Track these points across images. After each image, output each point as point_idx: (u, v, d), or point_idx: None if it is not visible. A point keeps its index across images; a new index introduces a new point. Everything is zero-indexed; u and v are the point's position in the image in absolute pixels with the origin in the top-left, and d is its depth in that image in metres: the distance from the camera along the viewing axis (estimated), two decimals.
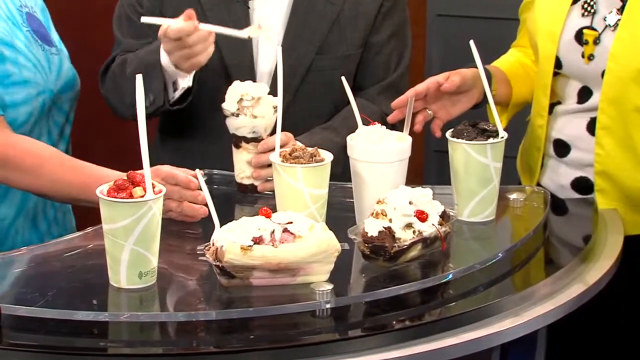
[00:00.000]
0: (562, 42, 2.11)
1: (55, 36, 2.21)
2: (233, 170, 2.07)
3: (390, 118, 2.06)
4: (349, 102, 1.94)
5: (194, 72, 2.09)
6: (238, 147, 2.02)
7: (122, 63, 2.17)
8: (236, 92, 1.99)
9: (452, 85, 2.07)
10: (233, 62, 2.18)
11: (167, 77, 2.09)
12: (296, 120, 2.17)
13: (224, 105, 2.00)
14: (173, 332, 1.55)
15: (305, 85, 2.20)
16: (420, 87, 2.08)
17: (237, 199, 2.05)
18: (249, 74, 2.17)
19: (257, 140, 2.01)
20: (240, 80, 2.02)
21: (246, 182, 2.04)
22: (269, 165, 1.91)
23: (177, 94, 2.11)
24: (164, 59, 2.06)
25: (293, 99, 2.20)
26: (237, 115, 1.99)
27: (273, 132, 2.00)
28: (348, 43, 2.22)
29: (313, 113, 2.22)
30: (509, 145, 1.93)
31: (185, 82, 2.09)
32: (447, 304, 1.65)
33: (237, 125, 2.00)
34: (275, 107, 1.97)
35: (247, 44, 2.18)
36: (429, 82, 2.08)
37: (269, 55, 2.19)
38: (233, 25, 2.13)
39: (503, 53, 2.36)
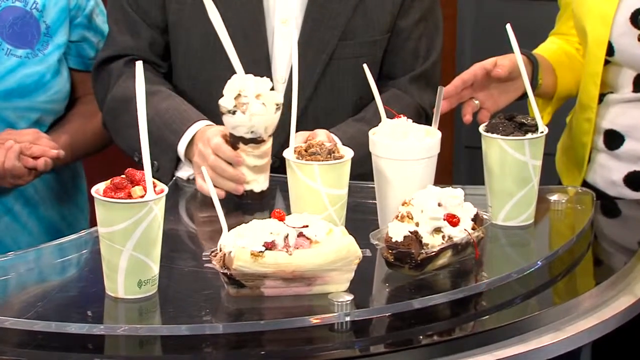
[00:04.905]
0: (615, 24, 2.11)
1: None
2: None
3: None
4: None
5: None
6: (235, 148, 2.00)
7: (125, 100, 2.16)
8: (234, 88, 1.97)
9: (504, 70, 2.08)
10: (248, 54, 2.19)
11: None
12: (317, 114, 2.17)
13: (220, 101, 1.98)
14: (176, 347, 1.56)
15: (328, 76, 2.21)
16: (467, 75, 2.09)
17: (246, 200, 2.06)
18: (266, 67, 2.18)
19: (256, 141, 1.98)
20: (255, 74, 2.01)
21: (245, 187, 2.01)
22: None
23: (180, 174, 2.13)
24: (182, 148, 2.08)
25: (314, 91, 2.20)
26: (234, 112, 1.96)
27: (281, 132, 2.00)
28: (374, 28, 2.22)
29: (336, 106, 2.22)
30: (549, 141, 1.93)
31: (187, 174, 2.11)
32: (480, 317, 1.66)
33: (233, 123, 1.97)
34: (278, 105, 1.96)
35: (262, 34, 2.18)
36: (476, 69, 2.09)
37: (286, 45, 2.20)
38: (245, 9, 2.14)
39: (542, 37, 2.37)
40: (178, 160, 2.12)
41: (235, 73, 2.02)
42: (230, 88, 1.98)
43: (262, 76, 2.01)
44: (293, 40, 1.89)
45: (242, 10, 2.18)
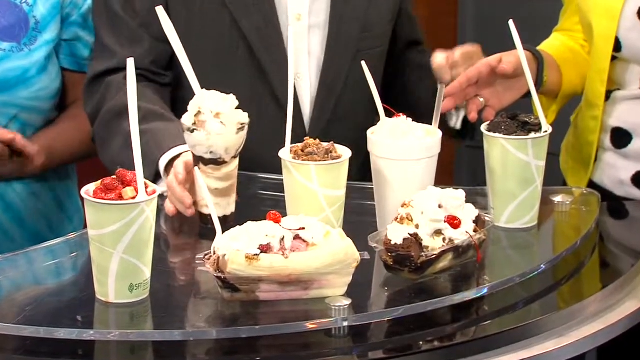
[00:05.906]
0: (622, 19, 2.11)
1: None
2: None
3: (443, 108, 2.06)
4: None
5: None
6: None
7: (121, 112, 2.08)
8: (195, 104, 1.90)
9: (510, 67, 2.08)
10: (265, 55, 2.18)
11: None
12: (345, 111, 2.21)
13: (182, 118, 1.92)
14: (168, 353, 1.55)
15: (354, 70, 2.20)
16: (472, 72, 2.09)
17: (241, 201, 2.05)
18: (285, 67, 2.16)
19: (216, 162, 1.91)
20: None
21: (206, 211, 1.93)
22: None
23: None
24: (163, 163, 2.04)
25: (344, 87, 2.22)
26: (192, 130, 1.89)
27: (248, 153, 1.96)
28: (384, 18, 2.28)
29: (362, 99, 2.20)
30: (554, 141, 1.92)
31: (162, 189, 2.03)
32: (481, 322, 1.66)
33: (192, 142, 1.90)
34: (241, 125, 1.90)
35: (277, 32, 2.18)
36: (481, 66, 2.10)
37: (303, 42, 2.20)
38: (256, 8, 2.13)
39: (544, 34, 2.37)
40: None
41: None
42: (193, 105, 1.91)
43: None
44: (289, 37, 1.89)
45: (253, 9, 2.17)
